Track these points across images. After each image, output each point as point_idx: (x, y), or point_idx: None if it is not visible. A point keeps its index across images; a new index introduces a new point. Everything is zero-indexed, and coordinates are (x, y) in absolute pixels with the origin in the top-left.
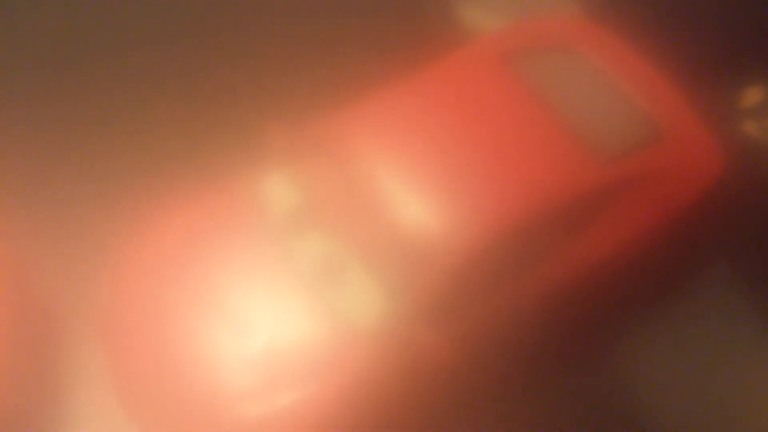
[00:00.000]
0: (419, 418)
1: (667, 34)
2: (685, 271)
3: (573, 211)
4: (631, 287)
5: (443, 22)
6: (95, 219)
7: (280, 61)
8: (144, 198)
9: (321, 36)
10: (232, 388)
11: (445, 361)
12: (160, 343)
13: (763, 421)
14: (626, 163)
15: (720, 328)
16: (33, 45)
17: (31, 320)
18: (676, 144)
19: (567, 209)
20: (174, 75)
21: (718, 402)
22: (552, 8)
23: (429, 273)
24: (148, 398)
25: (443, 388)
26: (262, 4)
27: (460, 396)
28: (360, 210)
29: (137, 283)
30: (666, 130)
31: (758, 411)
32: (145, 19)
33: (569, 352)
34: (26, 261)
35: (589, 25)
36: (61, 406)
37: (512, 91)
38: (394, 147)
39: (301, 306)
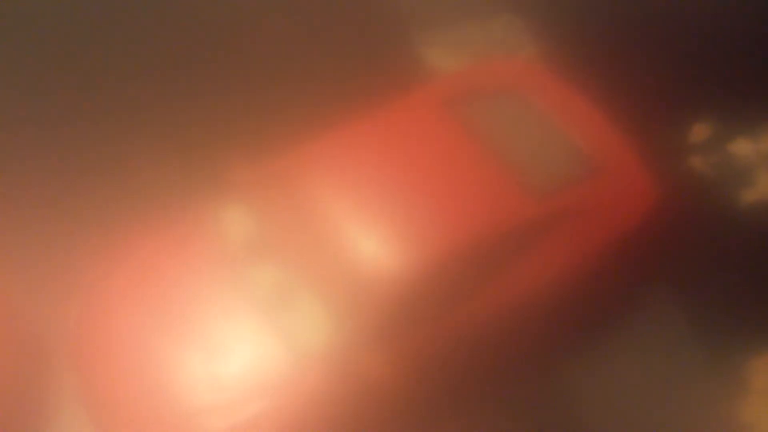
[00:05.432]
0: None
1: (616, 73)
2: (630, 296)
3: (512, 241)
4: (571, 313)
5: (402, 62)
6: (64, 250)
7: (242, 98)
8: (111, 229)
9: (282, 74)
10: (197, 404)
11: (389, 382)
12: (129, 364)
13: None
14: (561, 197)
15: (661, 354)
16: None
17: (4, 350)
18: (610, 179)
19: (505, 240)
20: (138, 109)
21: (666, 426)
22: (507, 50)
23: (375, 300)
24: (121, 416)
25: (388, 409)
26: (225, 41)
27: (405, 416)
28: (312, 241)
29: (106, 309)
30: (601, 166)
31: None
32: (106, 55)
33: (513, 377)
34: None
35: (533, 67)
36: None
37: (455, 133)
38: (346, 183)
39: (257, 330)
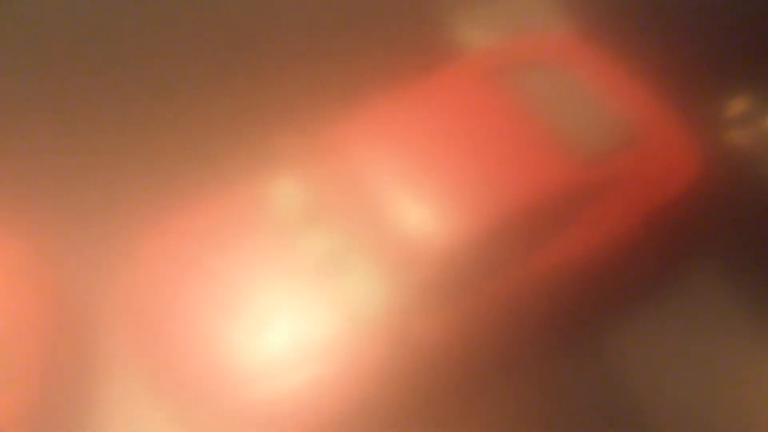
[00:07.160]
0: (417, 401)
1: (654, 45)
2: (674, 264)
3: (557, 207)
4: (618, 281)
5: (441, 37)
6: (116, 220)
7: (288, 74)
8: (162, 200)
9: (326, 50)
10: (248, 371)
11: (440, 346)
12: (178, 332)
13: (756, 413)
14: (606, 165)
15: (709, 321)
16: (50, 55)
17: (59, 320)
18: (653, 148)
19: (551, 206)
20: (189, 85)
21: (710, 395)
22: (542, 25)
23: (425, 265)
24: (173, 384)
25: (438, 372)
26: (272, 20)
27: (454, 381)
28: (362, 208)
29: (155, 279)
30: (643, 135)
31: (750, 404)
32: (160, 30)
33: (560, 343)
34: (51, 263)
35: (574, 41)
36: (91, 398)
37: (499, 102)
38: (392, 152)
39: (309, 296)
